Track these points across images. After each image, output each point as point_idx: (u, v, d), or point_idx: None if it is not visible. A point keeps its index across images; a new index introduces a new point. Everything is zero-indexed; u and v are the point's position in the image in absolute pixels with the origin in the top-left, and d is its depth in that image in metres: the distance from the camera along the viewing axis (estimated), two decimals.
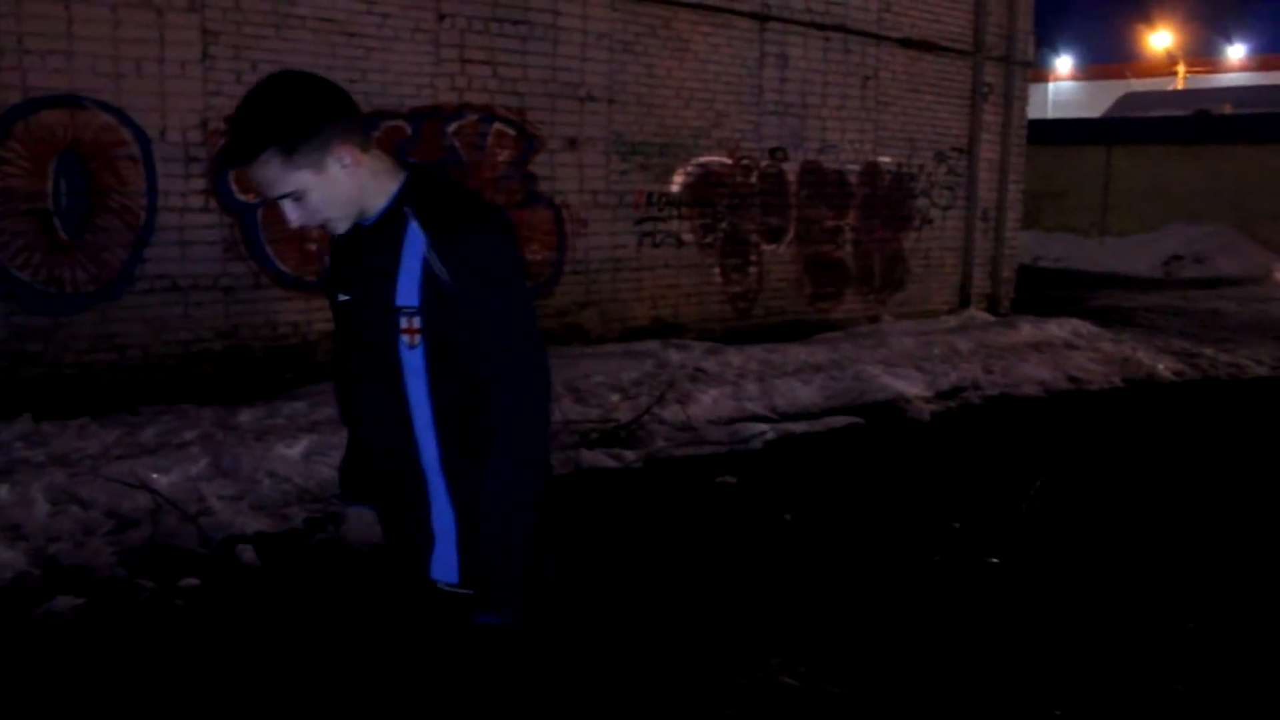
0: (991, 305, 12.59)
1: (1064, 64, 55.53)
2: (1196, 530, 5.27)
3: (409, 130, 7.76)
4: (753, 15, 9.89)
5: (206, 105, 6.86)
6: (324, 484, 5.50)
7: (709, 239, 9.86)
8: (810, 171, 10.57)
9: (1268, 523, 5.42)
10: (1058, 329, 11.12)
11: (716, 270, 9.97)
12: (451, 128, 8.01)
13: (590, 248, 8.96)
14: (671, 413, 7.08)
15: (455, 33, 7.96)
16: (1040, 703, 3.47)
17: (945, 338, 10.41)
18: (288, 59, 7.10)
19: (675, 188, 9.52)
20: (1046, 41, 47.24)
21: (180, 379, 6.87)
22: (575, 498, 5.46)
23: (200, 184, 6.90)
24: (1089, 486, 5.99)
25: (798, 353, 9.19)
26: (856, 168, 11.03)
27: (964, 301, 12.37)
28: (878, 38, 11.00)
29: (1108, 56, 54.96)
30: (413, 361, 2.00)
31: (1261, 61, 49.86)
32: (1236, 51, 52.64)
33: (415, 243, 1.96)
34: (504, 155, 8.35)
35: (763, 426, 7.03)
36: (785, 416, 7.42)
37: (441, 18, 7.87)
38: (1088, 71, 54.90)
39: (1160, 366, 9.65)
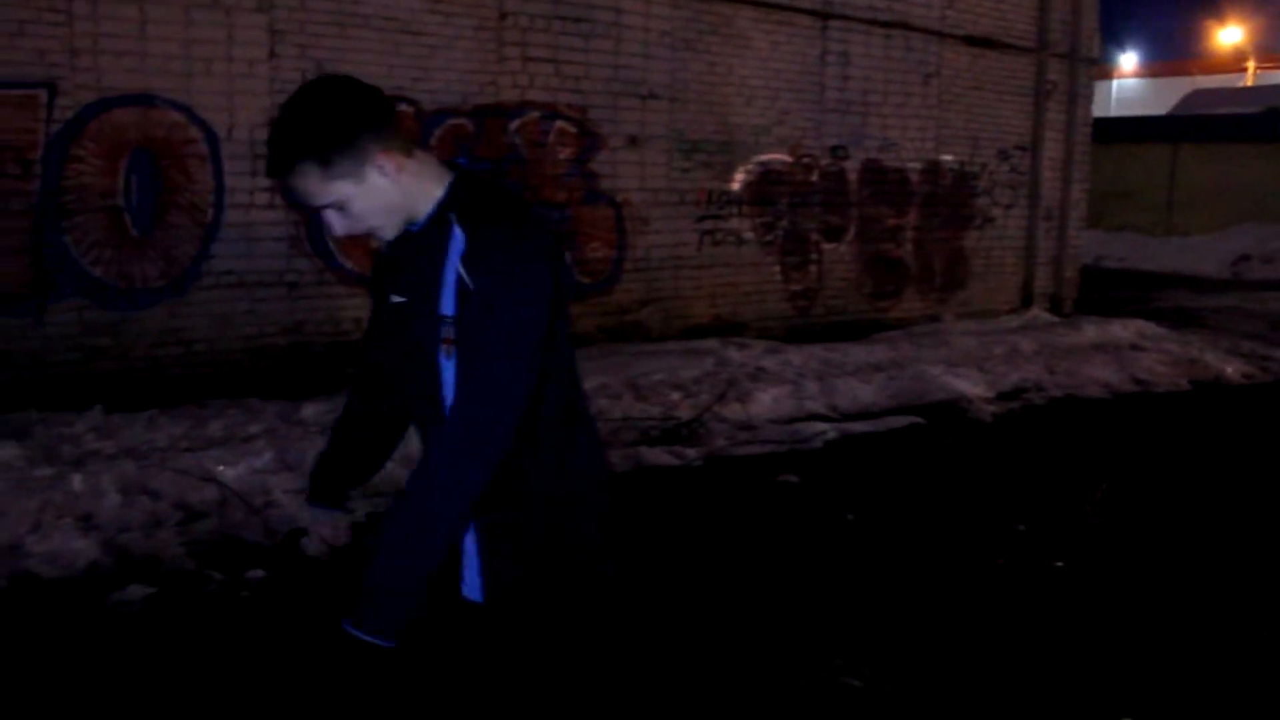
0: (1054, 305, 12.42)
1: (1128, 61, 54.63)
2: (1266, 537, 5.16)
3: (471, 128, 7.81)
4: (814, 13, 9.83)
5: (273, 104, 6.95)
6: (386, 478, 5.52)
7: (769, 237, 9.82)
8: (871, 170, 10.49)
9: None
10: (1122, 330, 10.93)
11: (777, 269, 9.93)
12: (513, 125, 8.05)
13: (651, 245, 8.96)
14: (732, 411, 7.07)
15: (518, 31, 7.99)
16: (1106, 708, 3.42)
17: (1007, 338, 10.27)
18: (352, 58, 7.18)
19: (736, 186, 9.50)
20: (1111, 38, 46.51)
21: (245, 373, 6.97)
22: (637, 495, 5.46)
23: (266, 181, 6.99)
24: (1155, 491, 5.89)
25: (858, 352, 9.12)
26: (918, 166, 10.93)
27: (1026, 301, 12.21)
28: (940, 35, 10.89)
29: (1173, 53, 54.01)
30: (448, 372, 1.96)
31: None
32: None
33: (458, 251, 1.92)
34: (565, 153, 8.38)
35: (823, 426, 6.99)
36: (846, 416, 7.37)
37: (504, 16, 7.91)
38: (1152, 69, 53.93)
39: (1229, 369, 9.45)
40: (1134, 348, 10.21)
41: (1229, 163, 20.51)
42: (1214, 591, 4.43)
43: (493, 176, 2.16)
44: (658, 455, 6.16)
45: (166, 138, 6.62)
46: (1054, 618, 4.15)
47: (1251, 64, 50.29)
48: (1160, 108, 36.49)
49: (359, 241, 7.39)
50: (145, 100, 6.52)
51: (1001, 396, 8.19)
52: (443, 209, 1.97)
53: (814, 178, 10.05)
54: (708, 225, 9.34)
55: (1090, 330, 10.86)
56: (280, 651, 3.68)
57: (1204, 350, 10.13)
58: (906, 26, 10.57)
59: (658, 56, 8.84)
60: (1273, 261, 18.55)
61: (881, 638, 3.91)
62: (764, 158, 9.65)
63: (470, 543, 2.04)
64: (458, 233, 1.93)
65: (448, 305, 1.93)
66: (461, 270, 1.90)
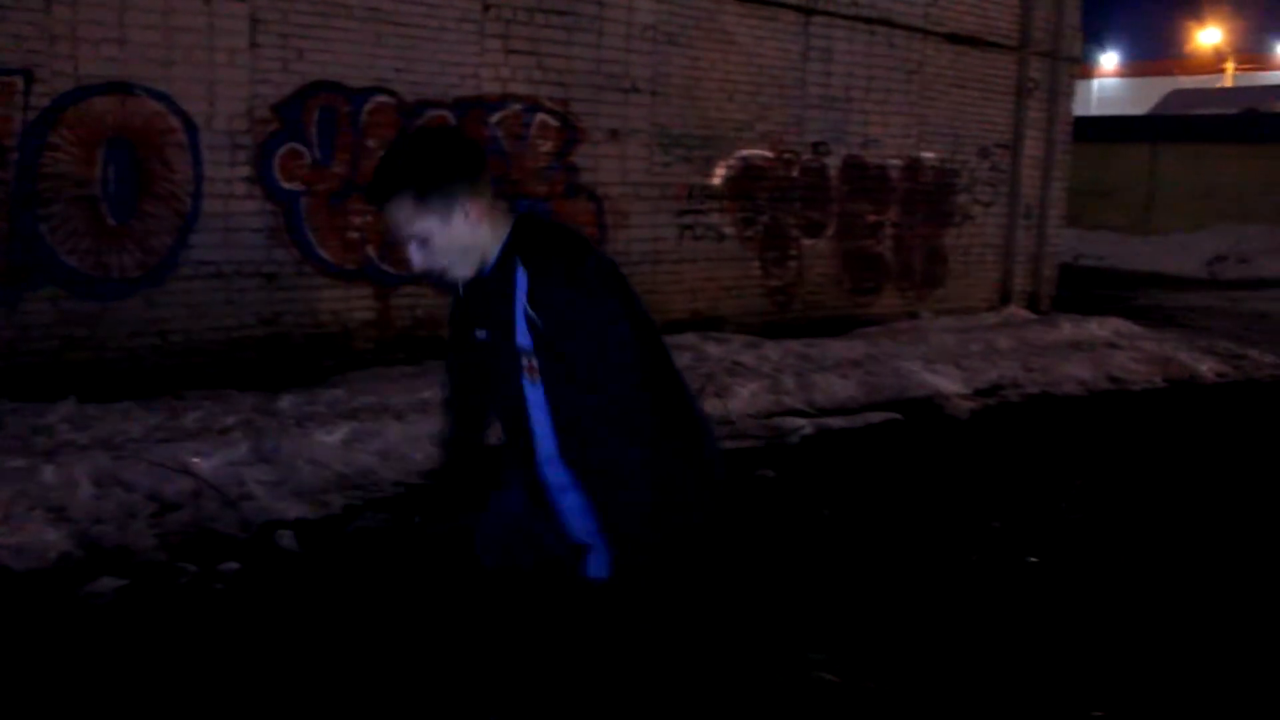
0: (1032, 303, 12.47)
1: (1109, 60, 54.89)
2: (1236, 532, 5.20)
3: (453, 120, 7.78)
4: (798, 8, 9.84)
5: (253, 93, 6.92)
6: (363, 471, 5.54)
7: (749, 232, 9.83)
8: (852, 166, 10.51)
9: None
10: (1099, 328, 10.99)
11: (756, 264, 9.94)
12: (494, 118, 8.03)
13: (631, 240, 8.95)
14: (710, 406, 7.06)
15: (500, 23, 7.97)
16: (1079, 702, 3.45)
17: (985, 335, 10.32)
18: (334, 48, 7.16)
19: (716, 180, 9.50)
20: (1091, 37, 46.68)
21: (222, 364, 6.94)
22: None
23: (245, 171, 6.96)
24: (1129, 487, 5.93)
25: (836, 348, 9.15)
26: (899, 163, 10.96)
27: (1004, 299, 12.26)
28: (923, 32, 10.92)
29: (1153, 53, 54.26)
30: (534, 395, 2.28)
31: None
32: None
33: (523, 290, 2.20)
34: (546, 146, 8.36)
35: (801, 421, 7.01)
36: (823, 411, 7.39)
37: (487, 8, 7.89)
38: (1132, 68, 54.22)
39: (1203, 367, 9.52)
40: (1110, 346, 10.27)
41: (1207, 163, 20.64)
42: (1186, 586, 4.47)
43: (551, 218, 2.56)
44: None
45: (145, 127, 6.57)
46: (1028, 613, 4.17)
47: (1230, 65, 50.62)
48: (1140, 107, 36.69)
49: (338, 233, 7.38)
50: (124, 89, 6.48)
51: (979, 393, 8.23)
52: (508, 251, 2.25)
53: (795, 173, 10.06)
54: (687, 220, 9.35)
55: (1067, 328, 10.92)
56: (253, 643, 3.67)
57: (1179, 349, 10.19)
58: (889, 23, 10.59)
59: (640, 50, 8.83)
60: (1248, 261, 18.69)
61: (858, 633, 3.92)
62: (745, 153, 9.65)
63: (593, 526, 2.29)
64: (521, 274, 2.21)
65: (523, 340, 2.22)
66: (528, 309, 2.19)
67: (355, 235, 7.45)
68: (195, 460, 5.27)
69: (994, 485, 5.88)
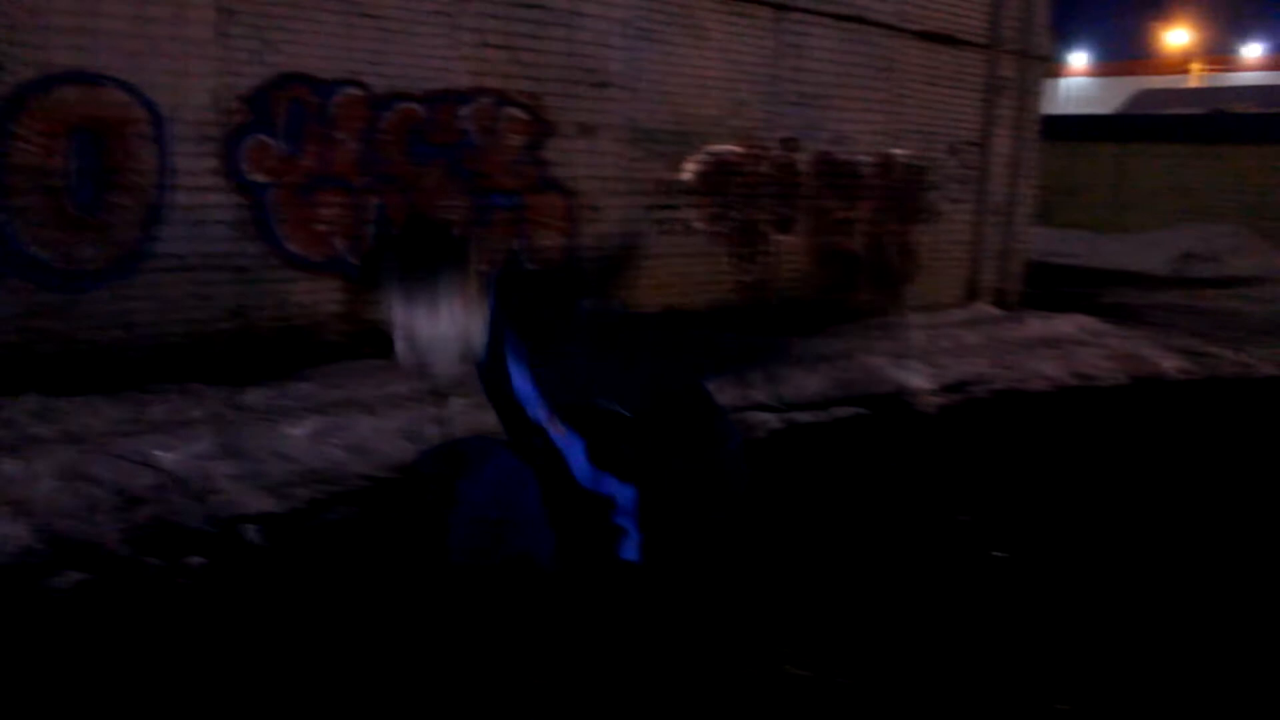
0: (1000, 300, 12.55)
1: (1078, 60, 55.28)
2: (1198, 524, 5.26)
3: (423, 113, 7.75)
4: (772, 4, 9.85)
5: (221, 84, 6.86)
6: (331, 465, 5.52)
7: (721, 228, 9.84)
8: (824, 162, 10.54)
9: (1267, 517, 5.41)
10: (1066, 325, 11.08)
11: (727, 259, 9.95)
12: (465, 111, 8.00)
13: (602, 234, 8.94)
14: None
15: (474, 16, 7.94)
16: (1044, 696, 3.48)
17: (954, 331, 10.39)
18: (305, 39, 7.11)
19: (688, 176, 9.50)
20: (1061, 37, 47.00)
21: (190, 358, 6.88)
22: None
23: (213, 163, 6.90)
24: (1094, 482, 5.98)
25: (806, 342, 9.17)
26: (870, 159, 11.00)
27: (972, 295, 12.34)
28: (896, 30, 10.96)
29: (1122, 53, 54.72)
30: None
31: (1278, 61, 49.57)
32: (1252, 50, 52.33)
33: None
34: (518, 140, 8.34)
35: (768, 416, 7.03)
36: (791, 406, 7.41)
37: (461, 0, 7.85)
38: (1101, 68, 54.66)
39: (1167, 364, 9.62)
40: (1077, 343, 10.36)
41: (1175, 162, 20.84)
42: (1149, 579, 4.52)
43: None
44: None
45: (111, 117, 6.50)
46: (994, 607, 4.20)
47: (1197, 66, 51.11)
48: (1108, 106, 37.01)
49: (307, 226, 7.33)
50: (89, 79, 6.40)
51: (946, 389, 8.28)
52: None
53: (766, 169, 10.08)
54: (659, 215, 9.35)
55: (1035, 325, 11.01)
56: (216, 637, 3.65)
57: (1145, 346, 10.29)
58: (862, 20, 10.63)
59: (614, 45, 8.81)
60: (1214, 260, 18.87)
61: (827, 628, 3.94)
62: (717, 148, 9.66)
63: (629, 513, 2.52)
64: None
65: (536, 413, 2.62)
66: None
67: (325, 228, 7.41)
68: (161, 454, 5.23)
69: (961, 480, 5.92)
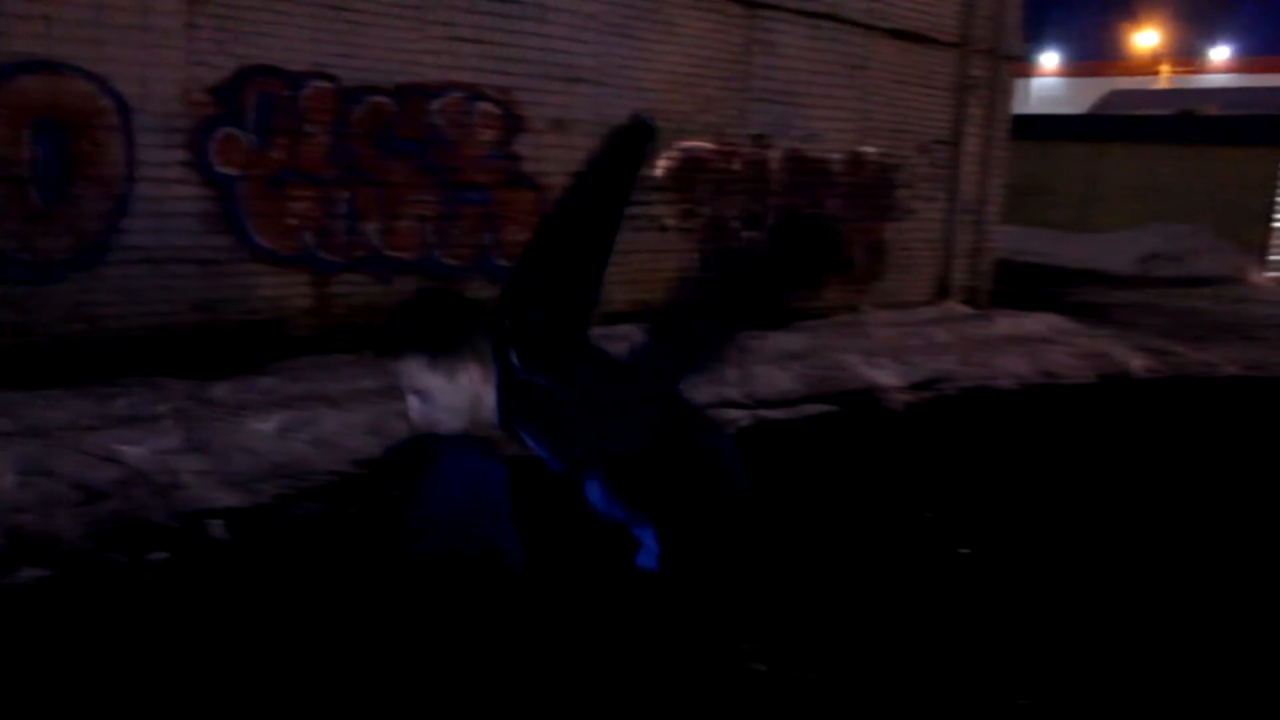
0: (970, 298, 12.62)
1: (1049, 60, 55.64)
2: (1162, 520, 5.31)
3: (393, 106, 7.70)
4: (743, 1, 9.86)
5: (189, 75, 6.79)
6: (297, 459, 5.48)
7: (690, 224, 9.84)
8: (794, 159, 10.56)
9: (1227, 513, 5.46)
10: (1035, 324, 11.17)
11: (698, 255, 9.95)
12: (435, 105, 7.96)
13: None
14: None
15: (444, 9, 7.89)
16: (1005, 691, 3.50)
17: (923, 329, 10.44)
18: (274, 30, 7.05)
19: (659, 172, 9.49)
20: (1031, 37, 47.30)
21: (155, 351, 6.81)
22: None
23: (180, 155, 6.84)
24: (1059, 478, 6.02)
25: (777, 340, 9.19)
26: (840, 157, 11.03)
27: (942, 294, 12.40)
28: (867, 28, 10.99)
29: (1092, 54, 55.09)
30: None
31: (1245, 64, 50.09)
32: (1220, 53, 52.87)
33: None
34: (488, 135, 8.31)
35: (738, 413, 7.04)
36: (762, 403, 7.42)
37: None
38: (1071, 68, 55.02)
39: (1133, 363, 9.70)
40: (1045, 341, 10.43)
41: (1144, 163, 21.00)
42: (1112, 574, 4.55)
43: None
44: None
45: (75, 107, 6.43)
46: (959, 603, 4.22)
47: (1166, 68, 51.58)
48: (1079, 107, 37.25)
49: (275, 219, 7.28)
50: (53, 68, 6.33)
51: (915, 386, 8.32)
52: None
53: (737, 166, 10.09)
54: (629, 210, 9.31)
55: (1004, 323, 11.08)
56: (180, 633, 3.61)
57: (1112, 344, 10.38)
58: (834, 18, 10.65)
59: (585, 40, 8.79)
60: (1180, 260, 19.04)
61: (789, 624, 3.95)
62: (688, 144, 9.66)
63: (646, 522, 2.59)
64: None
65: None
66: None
67: (293, 221, 7.35)
68: (125, 449, 5.18)
69: (928, 476, 5.95)
